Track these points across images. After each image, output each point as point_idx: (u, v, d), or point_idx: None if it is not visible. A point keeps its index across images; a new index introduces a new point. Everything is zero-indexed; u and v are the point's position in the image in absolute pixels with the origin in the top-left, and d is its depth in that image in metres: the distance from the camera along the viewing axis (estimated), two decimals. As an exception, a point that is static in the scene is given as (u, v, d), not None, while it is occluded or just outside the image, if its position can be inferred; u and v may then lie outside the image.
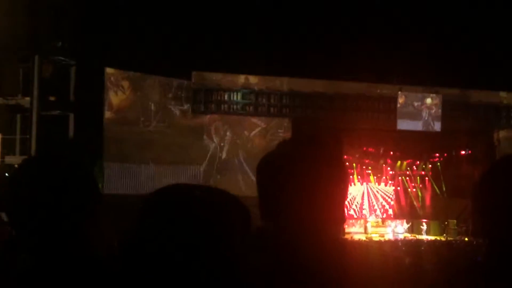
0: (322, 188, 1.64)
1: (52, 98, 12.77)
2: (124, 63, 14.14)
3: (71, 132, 12.83)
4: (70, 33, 12.31)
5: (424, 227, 17.26)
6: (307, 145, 1.72)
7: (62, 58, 12.55)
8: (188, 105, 14.62)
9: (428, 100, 16.65)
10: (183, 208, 1.27)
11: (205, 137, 14.49)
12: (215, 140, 14.58)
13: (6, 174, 12.30)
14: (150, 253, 1.24)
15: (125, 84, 12.74)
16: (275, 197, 1.63)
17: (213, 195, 1.33)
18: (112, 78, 12.71)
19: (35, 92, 12.26)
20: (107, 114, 12.53)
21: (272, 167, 1.67)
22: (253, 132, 15.74)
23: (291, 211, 1.62)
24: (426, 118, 16.75)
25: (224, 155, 14.61)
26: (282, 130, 15.69)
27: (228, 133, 15.29)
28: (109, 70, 12.79)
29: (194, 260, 1.23)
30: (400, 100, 16.61)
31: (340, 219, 1.69)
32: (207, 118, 14.91)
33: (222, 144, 14.78)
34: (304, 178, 1.62)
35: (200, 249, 1.23)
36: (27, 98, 12.34)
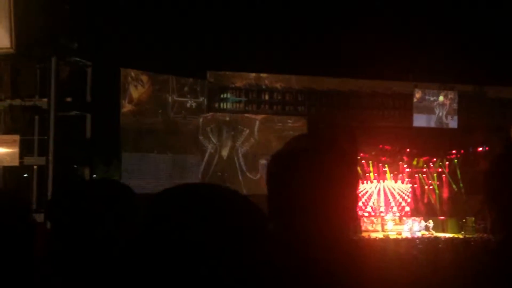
0: (334, 186, 1.63)
1: (69, 99, 12.85)
2: (140, 63, 14.27)
3: (88, 133, 12.92)
4: (86, 34, 12.40)
5: (431, 224, 17.15)
6: (319, 142, 1.72)
7: (79, 59, 12.64)
8: (203, 98, 14.77)
9: (441, 98, 16.58)
10: (193, 208, 1.27)
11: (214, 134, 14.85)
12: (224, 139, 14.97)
13: (25, 175, 12.43)
14: (157, 254, 1.25)
15: (144, 78, 13.28)
16: (285, 195, 1.63)
17: (223, 194, 1.33)
18: (132, 74, 13.20)
19: (52, 93, 12.34)
20: (128, 107, 13.02)
21: (283, 164, 1.67)
22: (267, 129, 15.81)
23: (301, 210, 1.62)
24: (441, 115, 16.67)
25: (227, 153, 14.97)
26: (297, 126, 15.61)
27: (239, 131, 15.45)
28: (129, 70, 13.18)
29: (203, 262, 1.23)
30: (416, 97, 16.55)
31: (351, 218, 1.69)
32: (219, 115, 15.18)
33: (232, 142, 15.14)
34: (315, 176, 1.62)
35: (212, 251, 1.23)
36: (44, 100, 12.44)
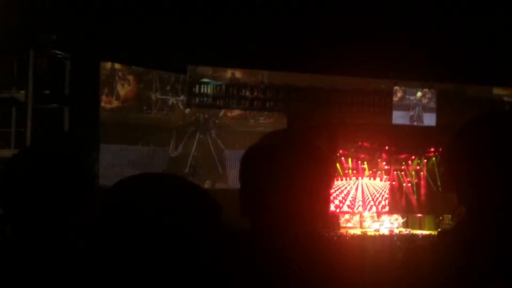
0: (306, 183, 1.62)
1: (47, 92, 12.74)
2: (119, 56, 14.20)
3: (66, 126, 12.82)
4: (65, 26, 12.28)
5: (402, 219, 17.29)
6: (293, 138, 1.71)
7: (57, 52, 12.53)
8: (183, 96, 15.27)
9: (420, 95, 16.71)
10: (150, 197, 1.26)
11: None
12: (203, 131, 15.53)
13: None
14: (116, 242, 1.23)
15: (130, 78, 14.19)
16: (257, 190, 1.62)
17: (177, 183, 1.33)
18: (120, 73, 13.97)
19: (30, 86, 12.24)
20: (115, 103, 13.84)
21: (256, 159, 1.65)
22: (245, 125, 15.94)
23: (272, 206, 1.61)
24: (420, 113, 16.80)
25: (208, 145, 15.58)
26: (268, 122, 15.90)
27: (219, 125, 15.73)
28: (116, 65, 13.95)
29: (160, 251, 1.22)
30: (396, 94, 16.65)
31: (322, 214, 1.68)
32: (197, 111, 15.55)
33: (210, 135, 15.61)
34: (287, 172, 1.61)
35: (167, 238, 1.23)
36: (22, 92, 12.33)
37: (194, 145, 15.18)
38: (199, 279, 1.27)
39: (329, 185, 1.70)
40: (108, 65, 13.96)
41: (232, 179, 14.82)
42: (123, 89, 14.04)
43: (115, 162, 13.50)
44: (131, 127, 14.05)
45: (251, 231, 1.67)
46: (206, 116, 15.46)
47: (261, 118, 15.92)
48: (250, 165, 1.70)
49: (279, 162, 1.65)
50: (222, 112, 15.80)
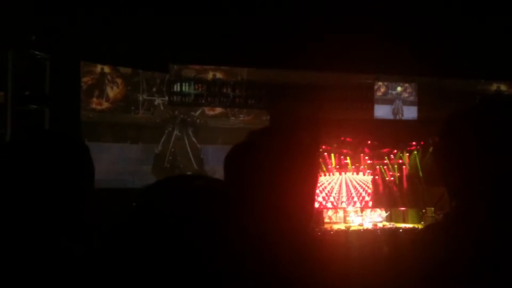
0: (291, 181, 1.62)
1: (27, 93, 12.62)
2: (100, 56, 14.17)
3: (47, 127, 12.70)
4: (45, 26, 12.18)
5: (386, 213, 17.40)
6: (278, 136, 1.71)
7: (37, 52, 12.41)
8: (167, 96, 15.78)
9: (401, 89, 16.81)
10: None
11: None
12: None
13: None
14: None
15: (119, 81, 14.98)
16: (241, 188, 1.62)
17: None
18: (109, 77, 14.77)
19: (10, 87, 12.10)
20: (105, 105, 14.74)
21: (240, 158, 1.65)
22: (226, 122, 16.19)
23: (257, 203, 1.61)
24: (401, 107, 16.90)
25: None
26: (247, 120, 16.22)
27: (198, 123, 16.12)
28: (105, 69, 14.66)
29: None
30: (377, 89, 16.73)
31: (308, 212, 1.68)
32: (180, 109, 16.03)
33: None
34: (272, 170, 1.61)
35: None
36: (1, 93, 12.18)
37: (172, 142, 15.76)
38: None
39: (314, 181, 1.71)
40: (98, 69, 14.60)
41: (211, 174, 14.89)
42: (112, 91, 14.88)
43: (105, 159, 14.12)
44: (121, 126, 14.95)
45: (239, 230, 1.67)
46: (182, 115, 15.93)
47: (241, 115, 16.27)
48: (234, 163, 1.70)
49: (263, 159, 1.65)
50: (200, 110, 16.15)
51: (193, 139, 15.98)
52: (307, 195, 1.69)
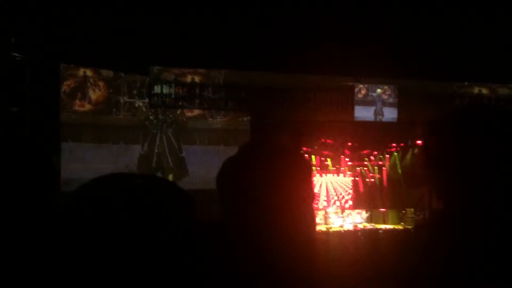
0: (287, 188, 1.63)
1: (6, 95, 12.51)
2: (80, 58, 14.13)
3: (26, 129, 12.61)
4: (24, 28, 12.09)
5: (366, 214, 17.48)
6: (269, 149, 1.72)
7: (16, 54, 12.32)
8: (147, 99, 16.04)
9: (381, 92, 16.92)
10: (121, 196, 1.26)
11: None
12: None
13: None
14: (85, 240, 1.23)
15: (101, 84, 15.35)
16: (235, 200, 1.62)
17: (152, 182, 1.33)
18: (91, 80, 15.17)
19: (-11, 89, 11.98)
20: (88, 107, 15.13)
21: (234, 174, 1.65)
22: (204, 123, 16.39)
23: (257, 223, 1.61)
24: (381, 109, 17.00)
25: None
26: (224, 121, 16.49)
27: (177, 124, 16.35)
28: (88, 73, 15.03)
29: (133, 248, 1.22)
30: (358, 91, 16.82)
31: (310, 220, 1.69)
32: (157, 110, 16.28)
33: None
34: (267, 183, 1.61)
35: (141, 237, 1.23)
36: (-20, 96, 12.06)
37: (157, 143, 16.09)
38: (174, 277, 1.27)
39: (309, 188, 1.72)
40: (80, 72, 14.91)
41: (192, 174, 16.02)
42: (94, 94, 15.31)
43: (87, 158, 14.70)
44: (102, 127, 15.37)
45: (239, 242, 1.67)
46: (161, 116, 16.24)
47: (218, 116, 16.53)
48: (226, 179, 1.71)
49: (256, 171, 1.66)
50: (179, 112, 16.36)
51: (173, 139, 16.24)
52: (306, 200, 1.70)
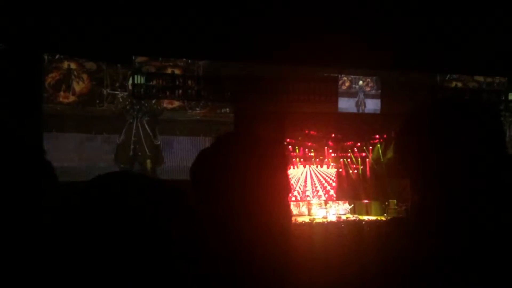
0: (261, 178, 1.61)
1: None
2: (61, 48, 14.05)
3: (7, 120, 12.48)
4: (3, 17, 11.94)
5: (349, 206, 17.56)
6: (243, 140, 1.70)
7: (-2, 44, 12.17)
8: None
9: (364, 83, 16.97)
10: (114, 197, 1.25)
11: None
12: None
13: None
14: (82, 236, 1.21)
15: (84, 76, 15.73)
16: (211, 190, 1.60)
17: (136, 180, 1.31)
18: (75, 72, 15.48)
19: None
20: (72, 98, 15.49)
21: (208, 165, 1.63)
22: (183, 115, 16.52)
23: (230, 207, 1.59)
24: (364, 100, 17.06)
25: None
26: (203, 112, 16.54)
27: (156, 115, 16.58)
28: (72, 65, 15.34)
29: (125, 246, 1.21)
30: (341, 83, 16.85)
31: (285, 207, 1.68)
32: (143, 103, 16.51)
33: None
34: (242, 170, 1.59)
35: (132, 235, 1.21)
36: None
37: (133, 131, 16.41)
38: (169, 275, 1.26)
39: (285, 176, 1.70)
40: (65, 65, 15.20)
41: (168, 162, 16.34)
42: (78, 86, 15.69)
43: (70, 148, 15.15)
44: (86, 118, 15.68)
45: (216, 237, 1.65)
46: (136, 106, 16.43)
47: (197, 108, 16.71)
48: (201, 169, 1.69)
49: (231, 161, 1.64)
50: (154, 101, 16.50)
51: (147, 127, 16.56)
52: (281, 191, 1.68)
